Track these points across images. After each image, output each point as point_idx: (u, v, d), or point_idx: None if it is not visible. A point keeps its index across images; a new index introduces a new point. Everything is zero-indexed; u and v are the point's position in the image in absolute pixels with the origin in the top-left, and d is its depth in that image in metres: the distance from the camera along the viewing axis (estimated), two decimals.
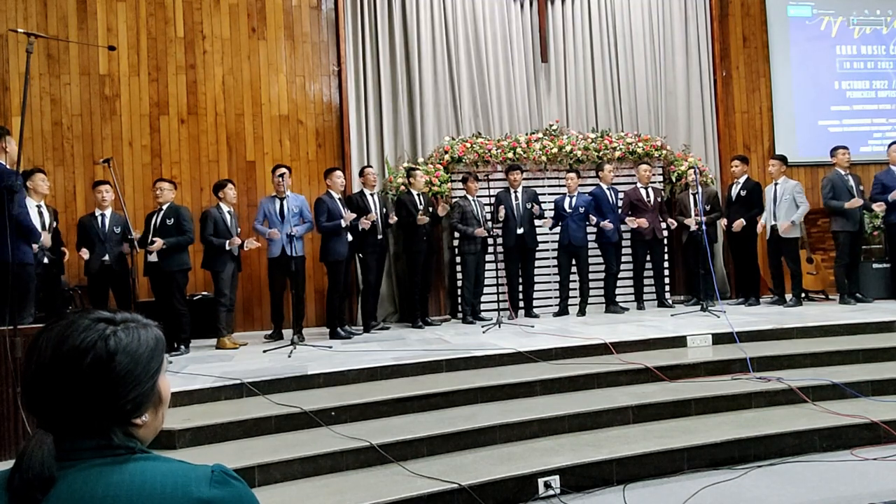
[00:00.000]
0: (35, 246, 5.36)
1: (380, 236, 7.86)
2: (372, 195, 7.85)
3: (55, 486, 1.07)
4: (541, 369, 5.48)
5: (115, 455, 1.13)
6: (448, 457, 4.32)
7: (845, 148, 8.54)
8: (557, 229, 8.51)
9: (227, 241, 7.12)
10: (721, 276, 9.56)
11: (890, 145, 8.53)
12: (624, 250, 8.79)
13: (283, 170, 7.45)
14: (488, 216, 8.38)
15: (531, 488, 4.01)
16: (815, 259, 9.13)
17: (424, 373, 5.49)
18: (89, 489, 1.08)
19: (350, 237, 7.52)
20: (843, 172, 8.36)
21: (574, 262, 8.50)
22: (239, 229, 7.51)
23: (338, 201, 7.52)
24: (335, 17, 8.99)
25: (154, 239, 6.81)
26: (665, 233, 8.78)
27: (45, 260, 6.29)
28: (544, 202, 8.67)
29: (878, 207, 8.14)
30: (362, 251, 7.73)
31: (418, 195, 8.03)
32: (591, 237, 8.59)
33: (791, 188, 8.31)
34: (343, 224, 7.32)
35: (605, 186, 8.60)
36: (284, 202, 7.44)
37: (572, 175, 8.53)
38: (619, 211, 8.62)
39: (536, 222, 8.38)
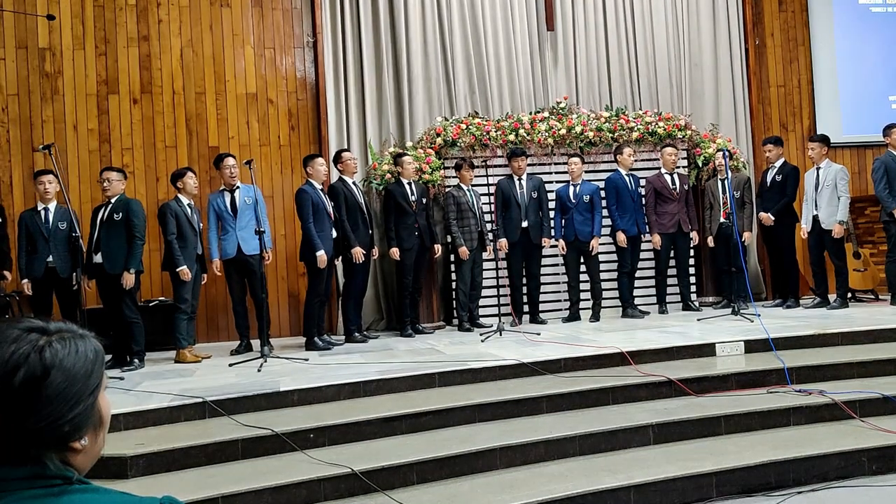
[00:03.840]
0: None
1: (370, 231, 7.89)
2: (354, 184, 7.86)
3: None
4: (547, 383, 5.48)
5: (50, 486, 1.13)
6: (441, 484, 4.32)
7: None
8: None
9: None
10: (755, 274, 9.58)
11: None
12: (644, 245, 8.77)
13: (229, 156, 7.48)
14: (486, 208, 8.38)
15: None
16: (863, 254, 9.15)
17: (415, 388, 5.49)
18: None
19: (335, 233, 7.53)
20: None
21: (583, 259, 8.51)
22: (201, 224, 7.50)
23: (321, 192, 7.53)
24: None
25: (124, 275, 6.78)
26: (694, 236, 8.77)
27: None
28: (550, 191, 8.68)
29: None
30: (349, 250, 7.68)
31: (409, 184, 8.02)
32: (605, 230, 8.60)
33: (834, 173, 8.31)
34: (322, 260, 7.33)
35: (623, 172, 8.56)
36: (235, 194, 7.42)
37: (576, 160, 8.44)
38: (644, 200, 8.64)
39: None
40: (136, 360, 6.80)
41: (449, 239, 8.32)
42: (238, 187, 7.46)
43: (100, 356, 1.24)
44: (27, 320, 1.19)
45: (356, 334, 7.84)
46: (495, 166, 8.62)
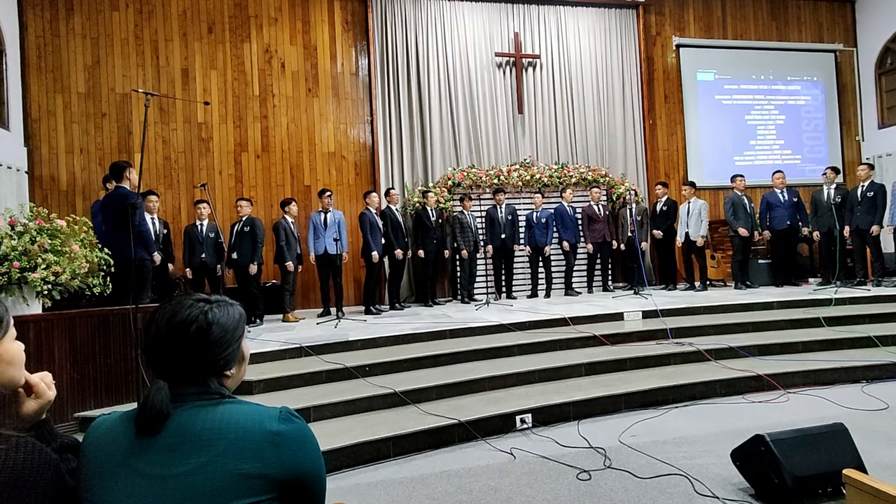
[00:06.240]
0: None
1: (407, 239, 7.87)
2: (396, 210, 7.85)
3: (169, 420, 1.08)
4: (518, 336, 5.48)
5: (211, 398, 1.14)
6: (451, 400, 4.32)
7: (742, 176, 8.49)
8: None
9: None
10: (648, 269, 9.53)
11: (774, 173, 8.51)
12: (579, 250, 8.70)
13: (328, 192, 7.44)
14: (479, 226, 8.35)
15: (510, 423, 4.01)
16: (717, 256, 9.10)
17: (434, 339, 5.49)
18: (192, 423, 1.08)
19: (383, 241, 7.52)
20: (740, 194, 8.31)
21: (540, 258, 8.45)
22: (299, 234, 7.49)
23: (375, 215, 7.51)
24: (369, 81, 8.97)
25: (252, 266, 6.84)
26: (614, 243, 8.69)
27: (159, 258, 6.29)
28: (520, 215, 8.63)
29: (759, 237, 8.46)
30: (393, 251, 7.65)
31: (431, 210, 8.00)
32: (555, 240, 8.55)
33: (699, 206, 8.26)
34: (375, 258, 7.33)
35: (566, 204, 8.54)
36: (328, 215, 7.41)
37: (538, 196, 8.48)
38: (580, 222, 8.56)
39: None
40: (257, 320, 6.82)
41: (455, 245, 8.29)
42: (330, 210, 7.42)
43: (242, 316, 1.24)
44: (198, 294, 1.20)
45: (396, 304, 7.82)
46: (485, 198, 8.59)
